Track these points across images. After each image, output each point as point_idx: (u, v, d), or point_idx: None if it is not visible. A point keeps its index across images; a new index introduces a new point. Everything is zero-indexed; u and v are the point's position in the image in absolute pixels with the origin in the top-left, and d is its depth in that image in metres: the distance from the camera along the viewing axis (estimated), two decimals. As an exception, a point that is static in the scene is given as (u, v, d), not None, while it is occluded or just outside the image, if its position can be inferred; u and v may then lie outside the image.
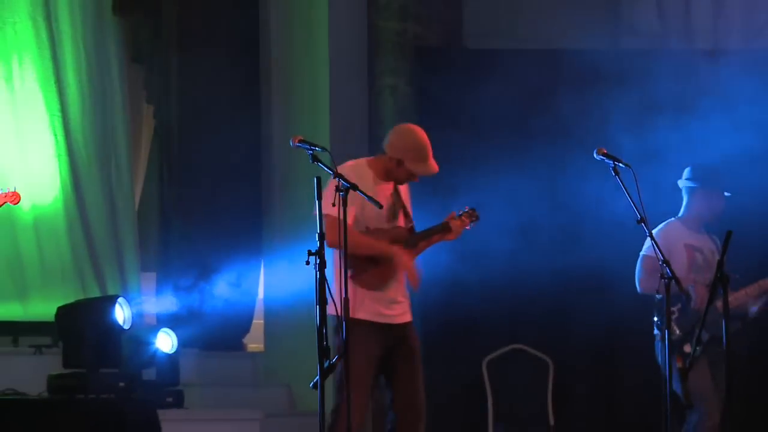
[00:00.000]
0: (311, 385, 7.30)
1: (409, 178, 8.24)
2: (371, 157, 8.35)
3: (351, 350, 7.59)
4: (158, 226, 11.96)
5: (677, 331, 9.13)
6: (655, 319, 9.20)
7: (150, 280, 11.97)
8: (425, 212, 8.50)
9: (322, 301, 7.20)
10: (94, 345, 9.94)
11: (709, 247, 9.44)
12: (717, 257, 9.09)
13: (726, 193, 9.36)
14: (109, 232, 11.84)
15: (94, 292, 11.19)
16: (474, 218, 8.41)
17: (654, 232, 8.98)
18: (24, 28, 11.65)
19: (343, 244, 7.41)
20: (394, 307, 8.18)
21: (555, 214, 10.54)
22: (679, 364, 8.09)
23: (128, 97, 12.06)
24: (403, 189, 8.39)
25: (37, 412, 9.41)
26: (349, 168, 7.90)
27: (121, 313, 10.02)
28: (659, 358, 9.10)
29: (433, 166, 8.17)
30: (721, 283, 7.77)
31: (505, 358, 10.77)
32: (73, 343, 9.99)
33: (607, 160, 8.10)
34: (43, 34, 11.68)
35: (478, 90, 11.16)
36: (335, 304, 7.34)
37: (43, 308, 10.84)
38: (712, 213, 9.47)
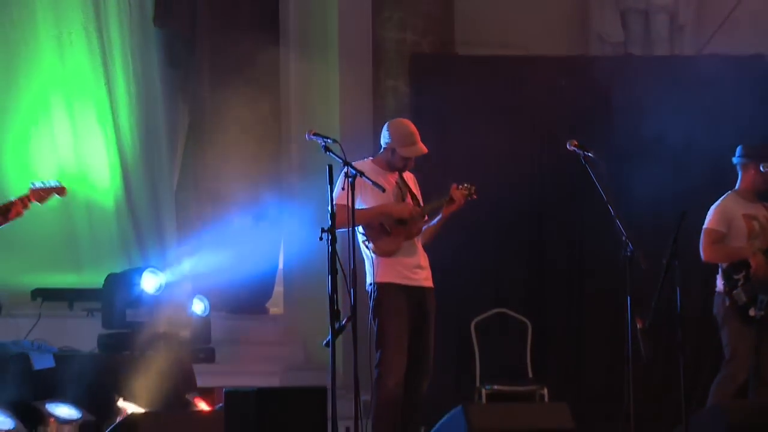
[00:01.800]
0: (324, 343, 7.25)
1: (404, 162, 8.21)
2: (373, 157, 8.28)
3: (386, 311, 7.93)
4: (193, 206, 11.88)
5: (743, 297, 9.00)
6: (719, 281, 9.12)
7: (186, 252, 11.90)
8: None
9: (333, 271, 7.16)
10: (132, 308, 9.87)
11: (763, 214, 9.25)
12: None
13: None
14: (150, 212, 11.78)
15: (139, 264, 11.11)
16: (473, 193, 8.31)
17: (715, 205, 9.23)
18: (78, 37, 11.56)
19: (349, 232, 7.43)
20: (418, 272, 8.17)
21: (533, 197, 10.40)
22: (639, 325, 7.93)
23: (166, 97, 12.00)
24: (410, 178, 8.34)
25: (90, 366, 9.30)
26: (358, 166, 7.79)
27: (150, 282, 9.95)
28: (719, 318, 9.14)
29: (421, 148, 8.17)
30: (676, 256, 7.70)
31: (490, 321, 10.66)
32: (117, 307, 9.94)
33: (578, 150, 8.09)
34: (95, 43, 11.61)
35: (467, 90, 11.08)
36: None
37: (94, 277, 10.72)
38: (759, 185, 9.26)
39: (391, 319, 7.94)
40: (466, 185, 8.29)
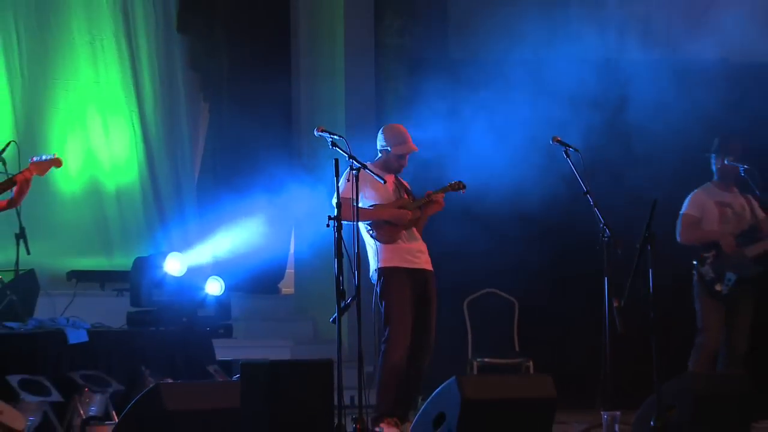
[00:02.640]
0: (331, 320, 7.29)
1: (399, 161, 8.26)
2: (371, 163, 8.22)
3: (393, 293, 7.99)
4: (213, 196, 11.89)
5: (711, 273, 9.03)
6: (694, 263, 9.15)
7: (207, 238, 11.93)
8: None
9: (339, 255, 7.18)
10: (158, 289, 9.88)
11: (739, 202, 9.27)
12: (746, 212, 9.08)
13: (733, 163, 9.18)
14: (174, 201, 11.87)
15: (164, 248, 11.11)
16: (461, 187, 8.31)
17: (692, 193, 9.31)
18: (109, 43, 11.62)
19: (354, 220, 7.51)
20: (420, 255, 8.22)
21: (519, 190, 10.39)
22: (615, 303, 7.93)
23: (188, 97, 12.06)
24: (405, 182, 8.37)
25: (119, 340, 9.30)
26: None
27: (174, 264, 9.95)
28: (694, 294, 9.20)
29: (412, 146, 8.24)
30: (649, 241, 7.69)
31: (481, 300, 10.67)
32: (144, 287, 9.95)
33: (559, 145, 8.11)
34: (124, 48, 11.68)
35: (459, 90, 11.04)
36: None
37: (123, 260, 10.79)
38: (731, 176, 9.26)
39: (397, 300, 7.98)
40: (453, 182, 8.32)
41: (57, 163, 7.41)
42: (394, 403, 7.96)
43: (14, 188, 7.17)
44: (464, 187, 8.32)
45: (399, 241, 8.11)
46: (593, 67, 11.76)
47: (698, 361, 9.06)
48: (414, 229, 8.19)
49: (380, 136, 8.31)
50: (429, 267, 8.24)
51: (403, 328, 7.98)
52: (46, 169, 7.37)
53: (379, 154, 8.28)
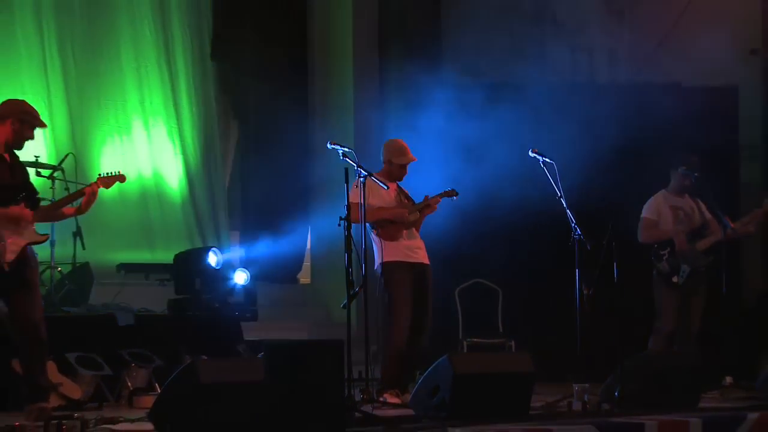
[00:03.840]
0: (342, 306, 7.31)
1: (401, 170, 8.24)
2: (376, 173, 8.15)
3: (395, 284, 7.98)
4: (240, 201, 11.91)
5: (667, 268, 9.05)
6: (653, 259, 9.15)
7: (235, 236, 11.96)
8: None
9: (348, 250, 7.23)
10: (195, 279, 9.90)
11: (690, 205, 9.31)
12: (696, 213, 9.08)
13: (687, 172, 9.18)
14: (208, 204, 11.80)
15: (198, 245, 11.15)
16: (454, 194, 8.30)
17: (650, 199, 9.33)
18: (152, 69, 11.59)
19: (362, 221, 7.56)
20: (417, 251, 8.20)
21: (504, 194, 10.39)
22: (585, 291, 7.96)
23: (220, 117, 12.06)
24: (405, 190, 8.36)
25: (161, 323, 9.33)
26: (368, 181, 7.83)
27: (214, 258, 9.98)
28: (653, 285, 9.21)
29: (411, 157, 8.21)
30: (613, 238, 7.72)
31: (469, 288, 10.66)
32: (182, 278, 9.96)
33: (537, 156, 8.09)
34: (165, 74, 11.65)
35: (453, 108, 11.04)
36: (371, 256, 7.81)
37: (164, 255, 10.77)
38: (685, 184, 9.25)
39: (399, 290, 7.98)
40: (447, 190, 8.29)
41: (121, 179, 7.39)
42: (396, 377, 7.97)
43: (82, 198, 7.15)
44: (457, 194, 8.32)
45: (400, 239, 8.12)
46: (567, 87, 11.78)
47: (657, 341, 9.08)
48: (413, 229, 8.21)
49: (384, 150, 8.30)
50: (426, 261, 8.24)
51: (404, 313, 7.99)
52: (112, 184, 7.32)
53: (383, 165, 8.27)
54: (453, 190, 8.31)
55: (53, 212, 7.31)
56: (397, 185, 8.28)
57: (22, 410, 7.01)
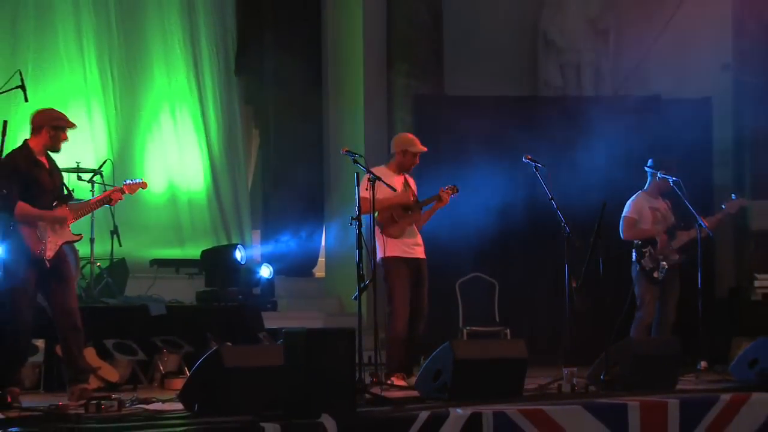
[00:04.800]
0: (353, 297, 7.34)
1: (412, 159, 8.17)
2: (385, 165, 8.20)
3: (394, 276, 7.92)
4: (262, 202, 11.91)
5: (650, 264, 9.03)
6: (633, 257, 9.10)
7: (257, 234, 11.97)
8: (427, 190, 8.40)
9: (359, 247, 7.21)
10: (220, 273, 9.89)
11: (664, 207, 9.26)
12: (669, 214, 9.05)
13: (665, 176, 9.11)
14: (232, 205, 11.81)
15: (224, 242, 11.15)
16: (455, 191, 8.26)
17: (630, 200, 9.25)
18: (182, 81, 11.65)
19: (371, 212, 7.56)
20: (415, 248, 8.14)
21: (500, 196, 10.36)
22: (574, 284, 7.93)
23: (243, 124, 12.06)
24: (411, 182, 8.28)
25: (190, 313, 9.33)
26: (376, 170, 7.83)
27: (239, 254, 9.98)
28: (634, 279, 9.14)
29: (422, 147, 8.15)
30: (599, 235, 7.70)
31: (469, 282, 10.63)
32: (209, 272, 9.97)
33: (530, 162, 8.07)
34: (194, 87, 11.70)
35: (453, 120, 11.03)
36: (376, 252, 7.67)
37: (193, 251, 10.82)
38: (662, 187, 9.22)
39: (397, 281, 7.94)
40: (450, 186, 8.25)
41: (143, 185, 7.47)
42: (400, 362, 7.96)
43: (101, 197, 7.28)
44: (458, 190, 8.28)
45: (401, 237, 8.08)
46: (556, 99, 11.78)
47: (637, 329, 9.05)
48: (414, 227, 8.18)
49: (395, 142, 8.25)
50: (422, 256, 8.19)
51: (403, 303, 7.96)
52: (135, 190, 7.41)
53: (394, 157, 8.19)
54: (455, 186, 8.28)
55: (90, 211, 7.42)
56: (405, 181, 8.22)
57: (65, 391, 7.03)
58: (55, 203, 6.92)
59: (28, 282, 6.72)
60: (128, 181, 7.41)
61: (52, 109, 7.09)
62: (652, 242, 9.10)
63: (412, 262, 8.10)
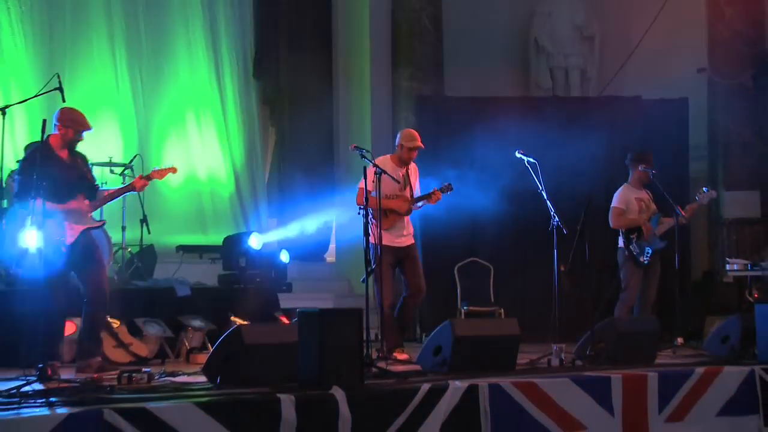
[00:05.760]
0: (361, 280, 7.34)
1: (410, 153, 8.12)
2: (390, 155, 8.21)
3: (381, 263, 7.82)
4: (278, 193, 11.90)
5: (637, 249, 9.01)
6: (620, 244, 9.08)
7: (273, 223, 12.00)
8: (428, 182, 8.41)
9: (366, 235, 7.21)
10: (240, 258, 9.93)
11: (647, 197, 9.22)
12: (651, 204, 9.04)
13: (646, 169, 9.07)
14: (251, 196, 11.82)
15: (243, 230, 11.15)
16: (450, 189, 8.23)
17: (618, 191, 9.20)
18: (205, 84, 11.65)
19: (378, 210, 7.58)
20: (401, 238, 8.11)
21: (494, 188, 10.34)
22: (562, 269, 7.92)
23: (261, 123, 12.06)
24: (414, 170, 8.23)
25: (213, 294, 9.33)
26: (381, 160, 7.85)
27: (255, 241, 9.97)
28: (620, 263, 9.08)
29: (419, 143, 8.08)
30: (585, 224, 7.68)
31: (467, 266, 10.64)
32: (230, 257, 9.97)
33: (522, 157, 8.10)
34: (216, 89, 11.71)
35: (451, 119, 10.99)
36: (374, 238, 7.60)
37: (215, 238, 10.83)
38: (642, 179, 9.17)
39: (383, 269, 7.88)
40: (445, 185, 8.21)
41: (173, 170, 7.44)
42: (396, 338, 7.96)
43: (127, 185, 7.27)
44: (452, 188, 8.25)
45: (390, 229, 8.06)
46: (546, 100, 11.76)
47: (621, 309, 9.03)
48: (405, 219, 8.13)
49: (398, 136, 8.23)
50: (410, 242, 8.16)
51: (387, 286, 7.93)
52: (165, 175, 7.37)
53: (397, 149, 8.18)
54: (449, 185, 8.26)
55: (110, 200, 7.32)
56: (406, 174, 8.18)
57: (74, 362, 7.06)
58: (71, 195, 6.90)
59: (58, 270, 6.72)
60: (158, 168, 7.38)
61: (73, 110, 7.04)
62: (638, 230, 9.08)
63: (398, 251, 8.08)
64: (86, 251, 6.92)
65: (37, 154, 6.60)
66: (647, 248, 9.01)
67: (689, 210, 9.18)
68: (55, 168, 6.80)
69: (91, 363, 6.85)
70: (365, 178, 7.42)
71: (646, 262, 9.00)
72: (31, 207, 6.37)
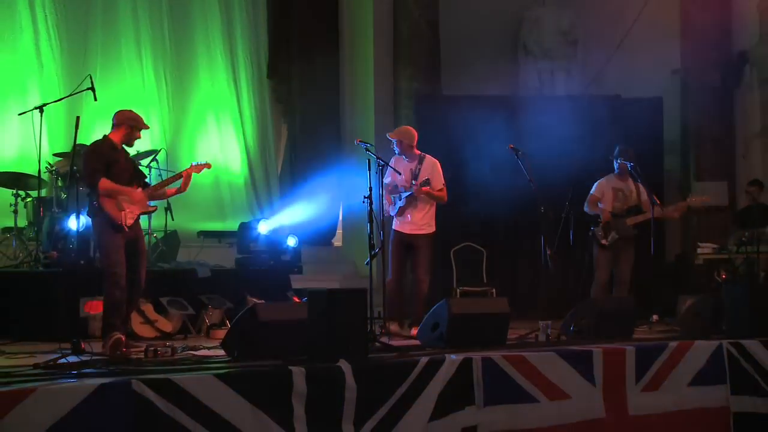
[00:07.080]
0: (365, 263, 7.30)
1: (408, 149, 8.08)
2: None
3: (390, 245, 7.98)
4: (289, 184, 11.85)
5: (600, 231, 9.01)
6: (591, 228, 9.02)
7: (286, 210, 11.94)
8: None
9: (370, 220, 7.22)
10: (254, 242, 9.90)
11: (629, 188, 9.15)
12: (633, 195, 8.97)
13: (624, 161, 9.01)
14: (264, 186, 11.76)
15: (258, 217, 11.10)
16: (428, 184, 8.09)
17: (597, 181, 9.16)
18: (222, 84, 11.58)
19: (380, 198, 7.54)
20: (405, 225, 8.10)
21: (486, 181, 10.32)
22: (549, 252, 7.91)
23: (274, 119, 11.98)
24: (429, 164, 8.12)
25: (230, 275, 9.32)
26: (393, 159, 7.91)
27: (264, 227, 9.96)
28: (594, 249, 9.01)
29: (407, 139, 8.07)
30: (569, 212, 7.66)
31: (462, 250, 10.63)
32: (246, 241, 9.95)
33: (513, 150, 8.09)
34: (232, 89, 11.63)
35: (449, 116, 10.95)
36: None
37: (232, 224, 10.78)
38: (623, 171, 9.10)
39: (392, 250, 7.92)
40: (424, 180, 8.05)
41: (208, 166, 7.47)
42: (395, 312, 7.96)
43: (182, 182, 7.21)
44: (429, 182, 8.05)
45: (398, 216, 8.05)
46: (533, 99, 11.70)
47: (595, 288, 8.99)
48: (418, 212, 8.08)
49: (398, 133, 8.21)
50: (415, 232, 8.07)
51: (393, 267, 7.97)
52: (201, 170, 7.40)
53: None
54: (428, 179, 8.07)
55: (158, 192, 7.32)
56: (418, 161, 8.12)
57: (134, 339, 7.05)
58: (131, 183, 7.02)
59: (119, 262, 6.71)
60: (195, 163, 7.43)
61: (132, 111, 7.16)
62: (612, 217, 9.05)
63: (405, 237, 8.07)
64: (137, 243, 6.99)
65: (105, 144, 6.85)
66: (612, 232, 8.96)
67: (679, 207, 9.21)
68: (120, 158, 6.96)
69: (112, 336, 6.80)
70: (391, 173, 7.51)
71: (607, 244, 8.93)
72: (95, 190, 6.65)
